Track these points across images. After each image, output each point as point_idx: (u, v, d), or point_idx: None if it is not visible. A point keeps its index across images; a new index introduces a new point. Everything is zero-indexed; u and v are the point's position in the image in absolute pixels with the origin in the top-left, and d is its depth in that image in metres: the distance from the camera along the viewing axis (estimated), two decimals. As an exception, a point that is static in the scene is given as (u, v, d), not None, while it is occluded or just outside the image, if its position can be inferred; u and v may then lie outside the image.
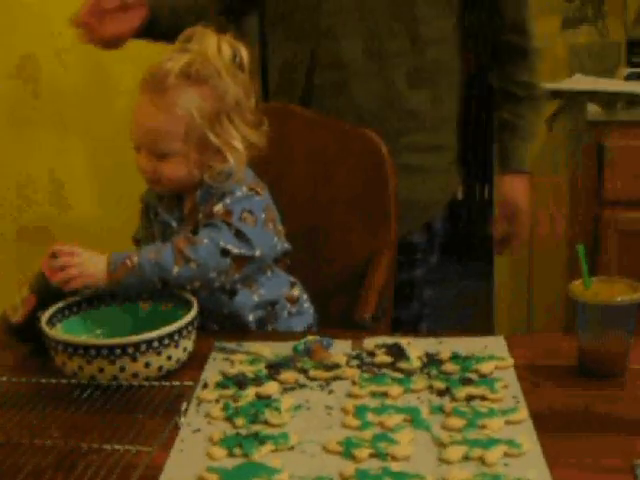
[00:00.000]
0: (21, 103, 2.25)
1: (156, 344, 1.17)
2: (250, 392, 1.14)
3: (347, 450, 0.99)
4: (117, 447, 1.01)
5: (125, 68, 2.06)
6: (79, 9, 1.60)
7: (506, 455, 0.97)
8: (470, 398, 1.10)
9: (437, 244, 1.79)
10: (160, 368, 1.19)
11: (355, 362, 1.22)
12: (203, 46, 1.35)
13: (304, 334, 1.32)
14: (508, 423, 1.04)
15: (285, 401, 1.11)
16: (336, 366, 1.20)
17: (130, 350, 1.16)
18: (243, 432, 1.05)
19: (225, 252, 1.29)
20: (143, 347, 1.16)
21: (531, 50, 1.75)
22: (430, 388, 1.14)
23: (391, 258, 1.61)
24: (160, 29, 1.65)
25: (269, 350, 1.26)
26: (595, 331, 1.15)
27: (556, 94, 2.45)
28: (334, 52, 1.62)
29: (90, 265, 1.25)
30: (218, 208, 1.33)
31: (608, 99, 2.29)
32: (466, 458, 0.97)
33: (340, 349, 1.25)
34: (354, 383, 1.16)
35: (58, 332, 1.23)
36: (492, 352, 1.22)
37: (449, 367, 1.18)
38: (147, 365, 1.17)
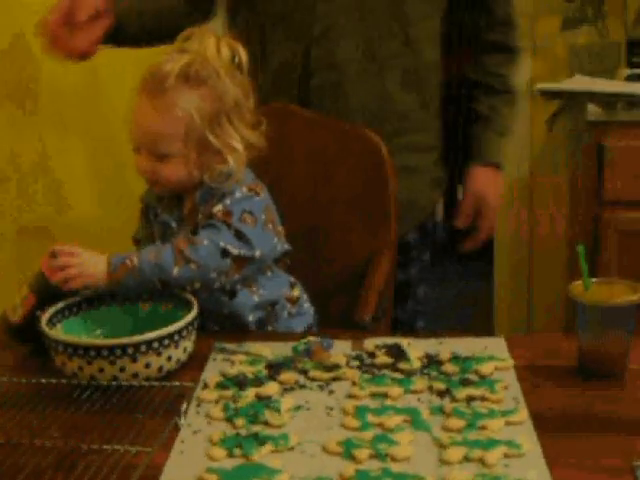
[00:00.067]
0: (21, 103, 2.25)
1: (156, 344, 1.17)
2: (250, 393, 1.14)
3: (347, 451, 0.99)
4: (117, 447, 1.01)
5: (125, 68, 2.06)
6: (47, 16, 1.53)
7: (506, 456, 0.97)
8: (470, 399, 1.10)
9: (429, 242, 1.79)
10: (160, 368, 1.19)
11: (355, 363, 1.22)
12: (202, 47, 1.35)
13: (304, 335, 1.32)
14: (508, 424, 1.04)
15: (285, 402, 1.11)
16: (336, 367, 1.20)
17: (130, 350, 1.16)
18: (243, 433, 1.05)
19: (225, 253, 1.29)
20: (143, 347, 1.16)
21: (514, 47, 1.76)
22: (430, 389, 1.14)
23: (391, 258, 1.61)
24: (126, 35, 1.63)
25: (269, 351, 1.26)
26: (595, 332, 1.16)
27: (556, 94, 2.45)
28: (329, 54, 1.62)
29: (90, 265, 1.25)
30: (218, 209, 1.33)
31: (608, 100, 2.29)
32: (466, 459, 0.97)
33: (340, 350, 1.25)
34: (354, 384, 1.16)
35: (58, 332, 1.23)
36: (492, 353, 1.22)
37: (449, 368, 1.18)
38: (147, 365, 1.17)
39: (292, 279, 1.47)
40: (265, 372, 1.20)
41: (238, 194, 1.34)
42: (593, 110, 2.30)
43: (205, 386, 1.17)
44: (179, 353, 1.21)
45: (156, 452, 1.00)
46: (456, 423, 1.04)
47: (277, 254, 1.41)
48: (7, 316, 1.29)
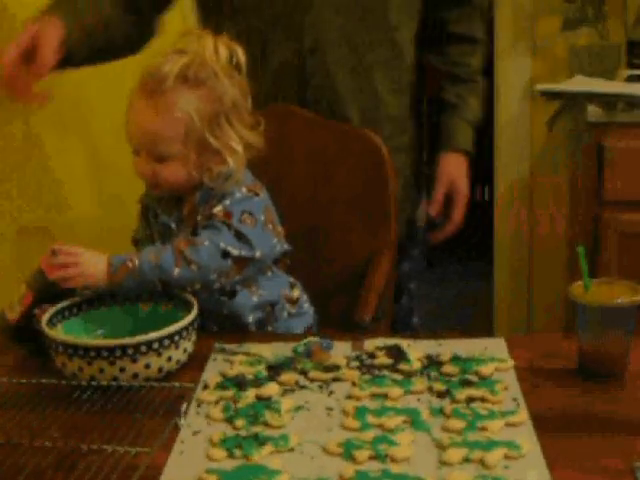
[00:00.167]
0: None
1: (156, 345, 1.17)
2: (250, 393, 1.14)
3: (347, 451, 0.99)
4: (117, 448, 1.01)
5: (125, 68, 2.06)
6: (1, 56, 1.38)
7: (506, 457, 0.97)
8: (470, 400, 1.10)
9: (418, 238, 1.79)
10: (160, 369, 1.19)
11: (355, 363, 1.22)
12: (200, 47, 1.35)
13: (304, 335, 1.32)
14: (508, 425, 1.04)
15: (285, 402, 1.11)
16: (336, 367, 1.20)
17: (130, 351, 1.16)
18: (243, 433, 1.05)
19: (226, 254, 1.29)
20: (143, 348, 1.16)
21: (479, 38, 1.78)
22: (430, 390, 1.14)
23: (391, 258, 1.61)
24: (76, 60, 1.52)
25: (269, 351, 1.26)
26: (595, 332, 1.15)
27: (556, 95, 2.45)
28: (322, 62, 1.62)
29: (90, 265, 1.25)
30: (217, 210, 1.33)
31: (608, 100, 2.29)
32: (466, 460, 0.97)
33: (340, 350, 1.25)
34: (354, 384, 1.16)
35: (58, 333, 1.23)
36: (492, 354, 1.22)
37: (449, 369, 1.18)
38: (147, 366, 1.17)
39: (292, 279, 1.47)
40: (265, 373, 1.20)
41: (238, 195, 1.34)
42: (593, 111, 2.30)
43: (205, 387, 1.17)
44: (179, 354, 1.21)
45: (156, 453, 1.00)
46: (456, 424, 1.04)
47: (277, 254, 1.41)
48: (4, 314, 1.28)
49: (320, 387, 1.17)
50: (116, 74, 2.30)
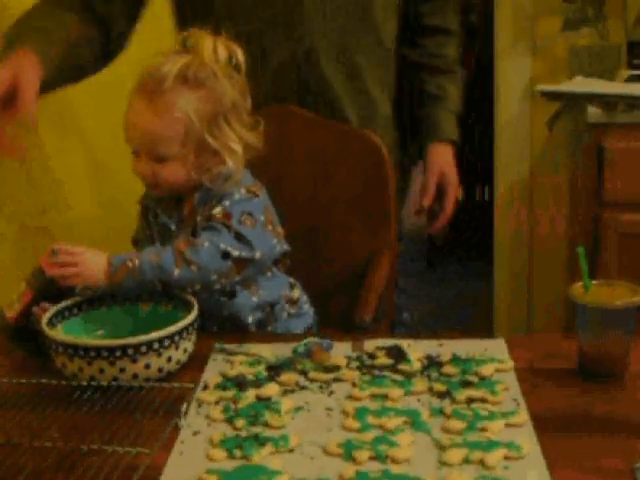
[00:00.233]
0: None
1: (156, 345, 1.17)
2: (250, 394, 1.14)
3: (347, 452, 0.99)
4: (117, 448, 1.01)
5: (125, 68, 2.06)
6: None
7: (506, 458, 0.97)
8: (470, 400, 1.10)
9: (402, 233, 1.79)
10: (160, 369, 1.19)
11: (355, 364, 1.22)
12: (199, 48, 1.35)
13: (304, 335, 1.32)
14: (508, 426, 1.04)
15: (285, 403, 1.11)
16: (336, 368, 1.20)
17: (130, 351, 1.16)
18: (243, 434, 1.05)
19: (226, 255, 1.29)
20: (143, 348, 1.16)
21: (453, 30, 1.79)
22: (430, 390, 1.14)
23: (391, 258, 1.61)
24: (52, 87, 1.49)
25: (269, 352, 1.26)
26: (595, 332, 1.15)
27: (556, 95, 2.45)
28: (316, 67, 1.62)
29: (90, 265, 1.25)
30: (217, 211, 1.33)
31: (608, 101, 2.29)
32: (466, 461, 0.97)
33: (340, 351, 1.25)
34: (354, 385, 1.16)
35: (58, 333, 1.23)
36: (492, 354, 1.22)
37: (449, 369, 1.18)
38: (147, 366, 1.17)
39: (292, 280, 1.47)
40: (265, 373, 1.20)
41: (237, 196, 1.34)
42: (593, 111, 2.30)
43: (205, 387, 1.17)
44: (179, 354, 1.21)
45: (156, 453, 1.00)
46: (456, 425, 1.04)
47: (277, 255, 1.40)
48: (3, 313, 1.28)
49: (320, 387, 1.17)
50: (116, 74, 2.30)
